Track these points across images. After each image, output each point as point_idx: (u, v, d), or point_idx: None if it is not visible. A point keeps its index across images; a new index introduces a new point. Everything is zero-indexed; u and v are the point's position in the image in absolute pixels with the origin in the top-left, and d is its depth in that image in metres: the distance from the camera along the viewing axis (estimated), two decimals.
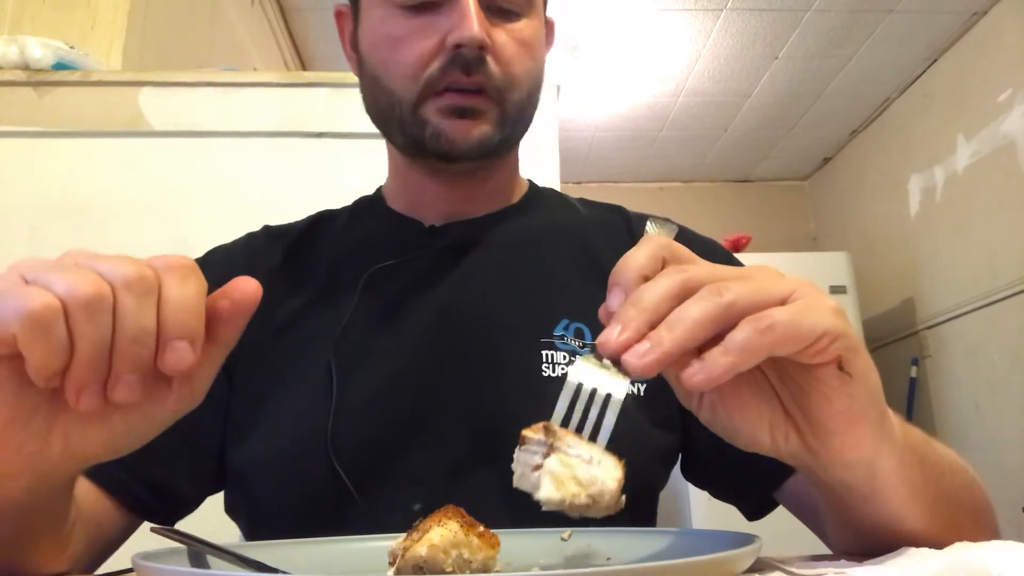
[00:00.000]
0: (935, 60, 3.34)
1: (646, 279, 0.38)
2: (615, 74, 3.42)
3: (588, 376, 0.38)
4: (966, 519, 0.50)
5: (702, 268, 0.38)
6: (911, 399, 3.41)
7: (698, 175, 4.50)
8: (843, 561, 0.43)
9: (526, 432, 0.37)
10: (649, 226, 0.50)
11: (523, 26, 0.68)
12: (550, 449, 0.36)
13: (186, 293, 0.36)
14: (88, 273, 0.35)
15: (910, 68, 3.42)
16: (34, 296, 0.33)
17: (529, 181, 0.82)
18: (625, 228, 0.76)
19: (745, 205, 4.51)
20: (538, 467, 0.36)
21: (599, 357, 0.38)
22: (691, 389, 0.36)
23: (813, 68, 3.40)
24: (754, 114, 3.80)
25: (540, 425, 0.37)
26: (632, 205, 0.81)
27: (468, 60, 0.63)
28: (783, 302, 0.37)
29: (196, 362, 0.36)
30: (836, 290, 3.32)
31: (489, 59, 0.65)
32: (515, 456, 0.37)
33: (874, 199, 3.89)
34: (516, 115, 0.68)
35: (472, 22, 0.62)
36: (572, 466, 0.35)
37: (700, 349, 0.36)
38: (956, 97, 3.24)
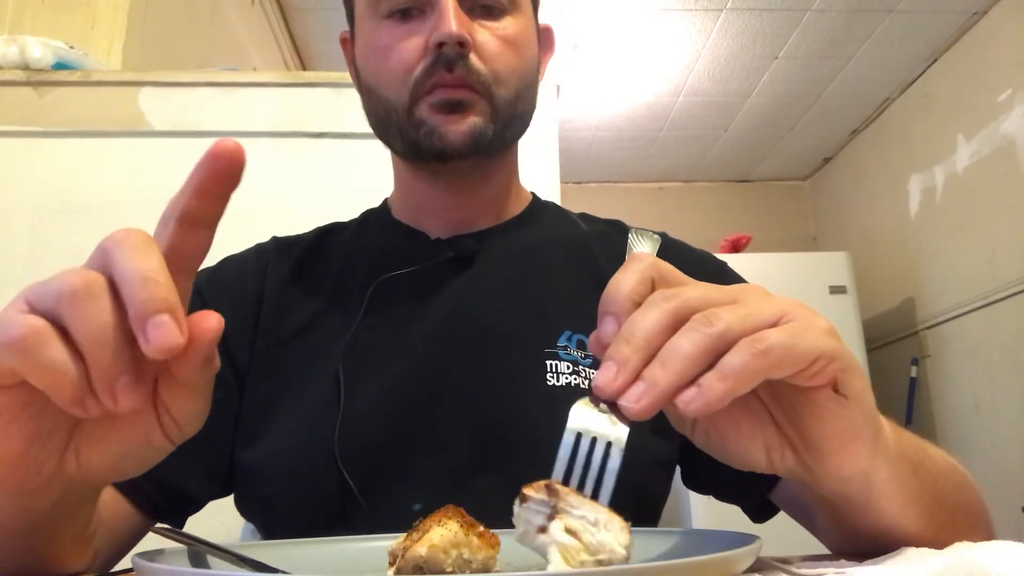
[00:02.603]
0: (935, 60, 3.34)
1: (637, 305, 0.38)
2: (615, 74, 3.42)
3: (587, 422, 0.37)
4: (961, 519, 0.51)
5: (692, 292, 0.38)
6: (911, 399, 3.41)
7: (698, 175, 4.50)
8: (843, 561, 0.43)
9: (527, 491, 0.36)
10: (632, 239, 0.49)
11: (507, 24, 0.69)
12: (553, 511, 0.35)
13: (144, 266, 0.32)
14: (73, 274, 0.33)
15: (910, 68, 3.42)
16: (17, 323, 0.32)
17: (532, 194, 0.83)
18: (624, 242, 0.76)
19: (745, 205, 4.51)
20: (542, 529, 0.35)
21: (596, 401, 0.37)
22: (688, 416, 0.36)
23: (813, 68, 3.40)
24: (754, 114, 3.80)
25: (541, 484, 0.36)
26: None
27: (450, 58, 0.65)
28: (775, 324, 0.37)
29: (184, 343, 0.32)
30: (836, 290, 3.31)
31: (472, 56, 0.66)
32: (516, 512, 0.36)
33: (874, 199, 3.89)
34: (507, 111, 0.69)
35: (450, 21, 0.64)
36: (578, 532, 0.34)
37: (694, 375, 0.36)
38: (956, 97, 3.24)
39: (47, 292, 0.33)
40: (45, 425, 0.37)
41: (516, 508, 0.36)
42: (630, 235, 0.50)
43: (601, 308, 0.39)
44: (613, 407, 0.36)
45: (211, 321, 0.35)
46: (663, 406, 0.35)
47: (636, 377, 0.35)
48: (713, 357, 0.35)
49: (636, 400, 0.35)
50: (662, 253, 0.74)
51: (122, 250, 0.33)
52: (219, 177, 0.35)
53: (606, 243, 0.76)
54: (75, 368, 0.33)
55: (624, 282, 0.38)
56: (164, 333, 0.32)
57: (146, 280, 0.32)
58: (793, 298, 0.40)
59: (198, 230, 0.36)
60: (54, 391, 0.33)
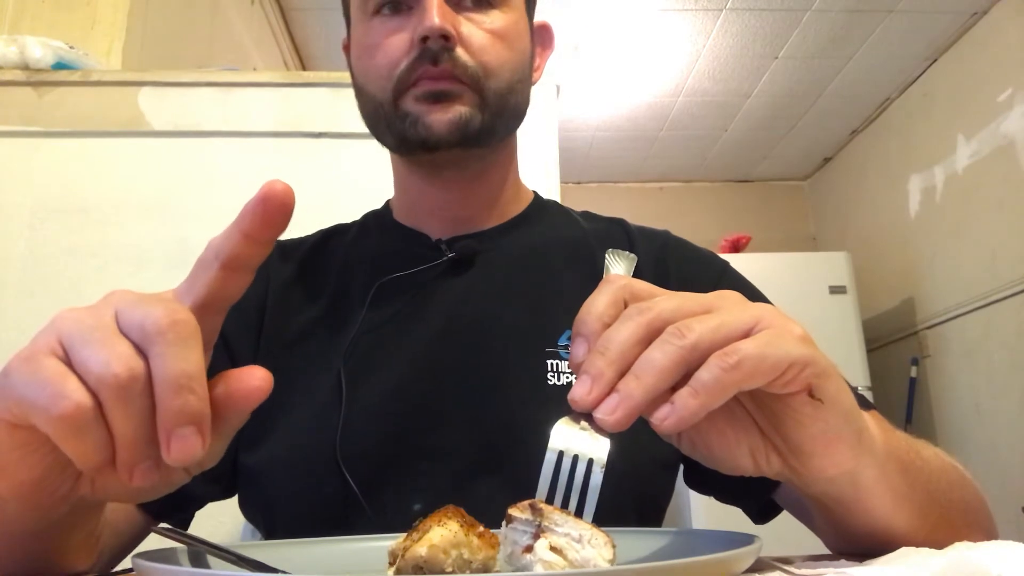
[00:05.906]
0: (935, 60, 3.34)
1: (607, 326, 0.38)
2: (615, 74, 3.42)
3: (568, 440, 0.37)
4: (958, 518, 0.51)
5: (665, 304, 0.38)
6: (911, 399, 3.41)
7: (698, 175, 4.51)
8: (843, 561, 0.43)
9: (512, 511, 0.36)
10: (608, 260, 0.49)
11: (494, 18, 0.69)
12: (538, 530, 0.35)
13: (183, 370, 0.32)
14: (116, 357, 0.32)
15: (910, 68, 3.42)
16: (67, 394, 0.32)
17: (534, 193, 0.83)
18: (626, 241, 0.77)
19: (745, 205, 4.51)
20: (528, 549, 0.35)
21: (576, 419, 0.38)
22: (663, 432, 0.36)
23: (813, 68, 3.40)
24: (754, 114, 3.80)
25: (526, 503, 0.36)
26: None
27: (434, 51, 0.65)
28: (748, 333, 0.37)
29: (203, 455, 0.33)
30: (836, 290, 3.31)
31: (459, 49, 0.66)
32: (503, 533, 0.36)
33: (874, 199, 3.89)
34: (497, 103, 0.69)
35: (432, 15, 0.65)
36: (563, 548, 0.34)
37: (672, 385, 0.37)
38: (956, 97, 3.24)
39: (88, 358, 0.32)
40: (61, 459, 0.37)
41: (503, 530, 0.36)
42: (607, 256, 0.50)
43: (573, 330, 0.39)
44: (591, 420, 0.37)
45: (256, 381, 0.35)
46: (637, 417, 0.36)
47: (611, 389, 0.36)
48: (686, 368, 0.36)
49: (611, 412, 0.36)
50: (664, 252, 0.74)
51: (165, 343, 0.32)
52: (270, 221, 0.35)
53: (608, 241, 0.76)
54: (107, 451, 0.33)
55: (595, 304, 0.39)
56: (185, 446, 0.32)
57: (180, 388, 0.32)
58: (769, 304, 0.41)
59: (240, 274, 0.36)
60: (80, 463, 0.34)
